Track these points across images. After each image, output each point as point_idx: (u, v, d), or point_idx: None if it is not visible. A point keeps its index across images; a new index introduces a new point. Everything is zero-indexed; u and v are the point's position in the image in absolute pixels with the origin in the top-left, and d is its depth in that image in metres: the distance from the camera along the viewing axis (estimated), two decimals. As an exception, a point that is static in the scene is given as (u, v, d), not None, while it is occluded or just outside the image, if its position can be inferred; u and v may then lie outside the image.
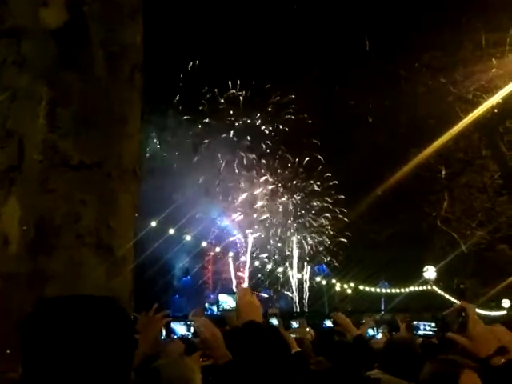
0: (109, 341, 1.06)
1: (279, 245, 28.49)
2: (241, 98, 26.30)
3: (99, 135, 2.26)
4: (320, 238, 28.93)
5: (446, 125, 16.90)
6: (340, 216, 27.35)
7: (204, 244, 25.81)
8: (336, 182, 26.26)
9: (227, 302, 3.15)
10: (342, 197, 26.46)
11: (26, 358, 1.07)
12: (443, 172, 19.07)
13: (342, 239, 28.10)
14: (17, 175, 2.16)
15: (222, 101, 26.20)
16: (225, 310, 3.12)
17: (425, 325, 3.35)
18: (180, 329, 2.40)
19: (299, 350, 2.86)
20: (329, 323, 4.33)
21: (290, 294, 28.35)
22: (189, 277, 27.58)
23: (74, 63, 2.24)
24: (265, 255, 28.32)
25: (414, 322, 3.49)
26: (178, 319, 2.48)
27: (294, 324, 4.38)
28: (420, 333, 3.39)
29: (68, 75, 2.22)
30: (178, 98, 25.32)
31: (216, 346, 2.17)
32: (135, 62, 2.43)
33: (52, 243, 2.12)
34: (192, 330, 2.56)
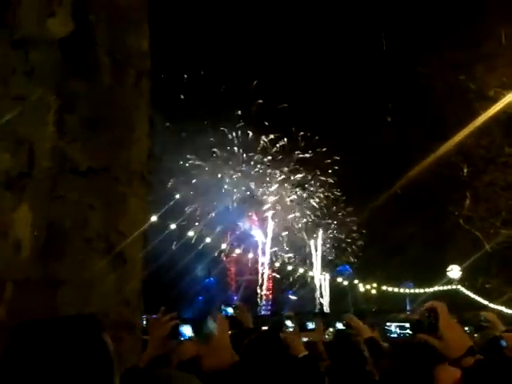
0: (79, 363, 1.11)
1: (301, 245, 28.40)
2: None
3: (106, 141, 2.30)
4: (342, 238, 28.77)
5: (467, 122, 16.64)
6: (362, 215, 27.15)
7: (224, 246, 25.89)
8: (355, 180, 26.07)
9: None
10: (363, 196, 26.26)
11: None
12: (465, 170, 18.76)
13: (364, 239, 27.91)
14: (28, 182, 2.21)
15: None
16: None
17: (396, 326, 3.14)
18: (187, 331, 2.41)
19: (306, 353, 2.83)
20: (340, 325, 4.17)
21: (312, 295, 28.23)
22: (212, 278, 27.68)
23: (81, 71, 2.28)
24: (286, 256, 28.27)
25: (387, 324, 3.26)
26: (185, 322, 2.49)
27: (310, 325, 4.17)
28: (393, 336, 3.16)
29: (75, 83, 2.26)
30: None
31: (222, 346, 2.17)
32: (141, 68, 2.47)
33: (62, 248, 2.17)
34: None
